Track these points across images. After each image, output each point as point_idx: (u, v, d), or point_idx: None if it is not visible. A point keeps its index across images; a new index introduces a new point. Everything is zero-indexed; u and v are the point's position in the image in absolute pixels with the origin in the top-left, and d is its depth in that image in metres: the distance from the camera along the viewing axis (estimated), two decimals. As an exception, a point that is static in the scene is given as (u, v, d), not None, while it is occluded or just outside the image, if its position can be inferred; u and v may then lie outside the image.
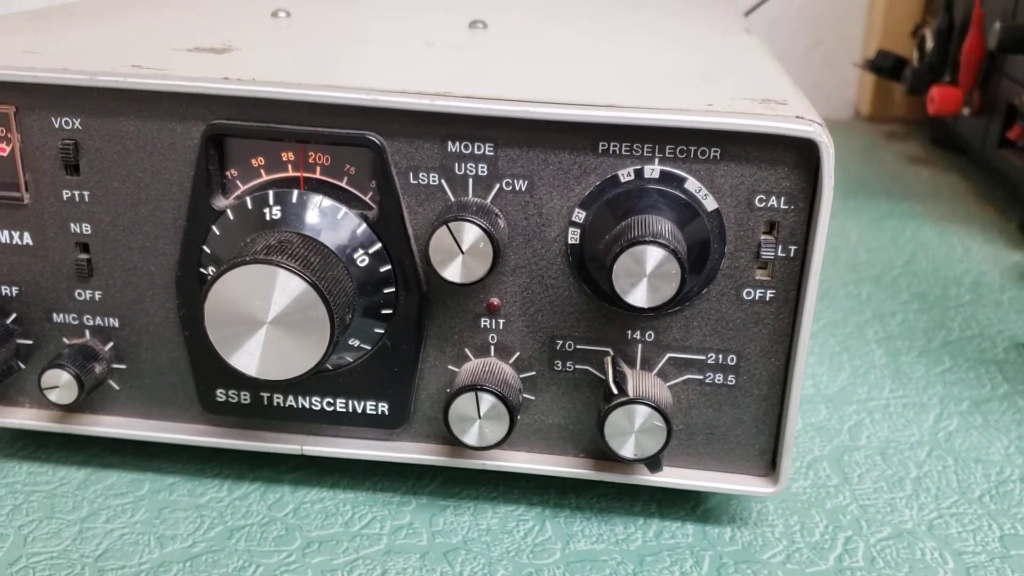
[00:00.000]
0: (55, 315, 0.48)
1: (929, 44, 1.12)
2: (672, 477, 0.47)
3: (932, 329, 0.72)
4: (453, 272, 0.42)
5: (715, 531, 0.49)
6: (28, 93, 0.44)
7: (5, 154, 0.46)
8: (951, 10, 1.05)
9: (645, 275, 0.40)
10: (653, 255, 0.39)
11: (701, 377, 0.46)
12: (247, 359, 0.42)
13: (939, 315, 0.75)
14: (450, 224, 0.41)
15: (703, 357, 0.46)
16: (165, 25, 0.57)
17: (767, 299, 0.44)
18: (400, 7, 0.68)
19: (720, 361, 0.46)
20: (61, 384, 0.47)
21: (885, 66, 1.17)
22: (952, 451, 0.57)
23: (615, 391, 0.43)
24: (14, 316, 0.48)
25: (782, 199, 0.43)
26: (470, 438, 0.44)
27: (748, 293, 0.44)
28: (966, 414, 0.61)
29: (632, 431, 0.44)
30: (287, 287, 0.41)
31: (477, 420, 0.44)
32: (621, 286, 0.40)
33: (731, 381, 0.46)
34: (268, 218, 0.44)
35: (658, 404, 0.43)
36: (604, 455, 0.48)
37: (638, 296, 0.40)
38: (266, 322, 0.41)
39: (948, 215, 0.98)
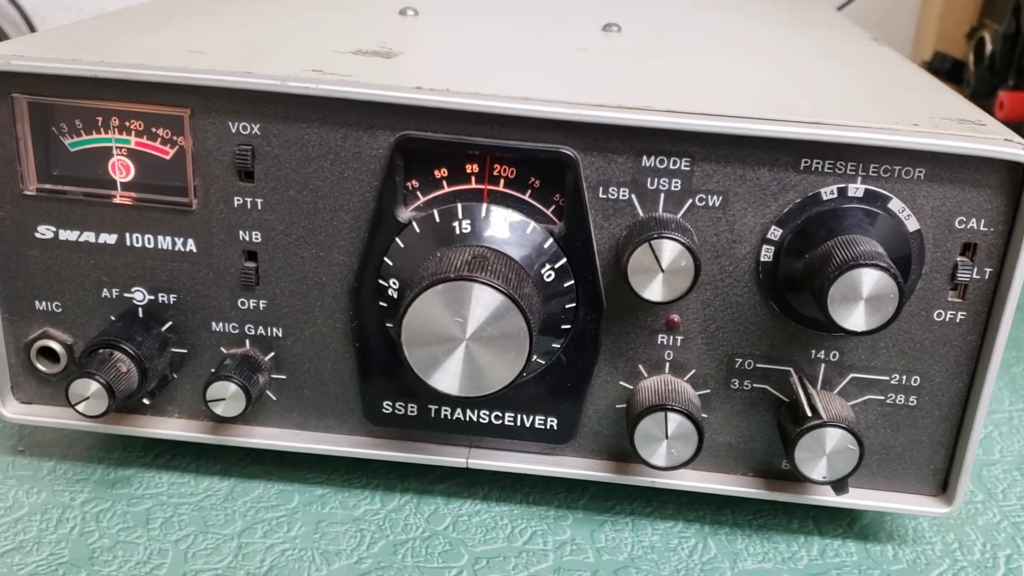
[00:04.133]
0: (214, 324, 0.47)
1: (989, 47, 1.12)
2: (849, 497, 0.46)
3: (1034, 339, 0.72)
4: (654, 291, 0.41)
5: (876, 549, 0.49)
6: (206, 96, 0.43)
7: (168, 157, 0.45)
8: (1019, 14, 1.05)
9: (862, 298, 0.39)
10: (872, 278, 0.39)
11: (882, 398, 0.45)
12: (448, 378, 0.41)
13: (1037, 325, 0.75)
14: (652, 242, 0.40)
15: (887, 378, 0.45)
16: (301, 23, 0.55)
17: (957, 321, 0.44)
18: (519, 5, 0.67)
19: (903, 382, 0.45)
20: (228, 396, 0.45)
21: (943, 68, 1.17)
22: (1086, 467, 0.57)
23: (810, 413, 0.43)
24: (169, 324, 0.47)
25: (982, 221, 0.42)
26: (658, 459, 0.44)
27: (939, 315, 0.44)
28: (1089, 428, 0.61)
29: (824, 453, 0.43)
30: (487, 303, 0.40)
31: (664, 440, 0.44)
32: (836, 310, 0.39)
33: (912, 402, 0.45)
34: (458, 232, 0.43)
35: (851, 427, 0.43)
36: (774, 474, 0.48)
37: (855, 320, 0.39)
38: (465, 339, 0.40)
39: (1019, 221, 0.98)
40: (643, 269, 0.41)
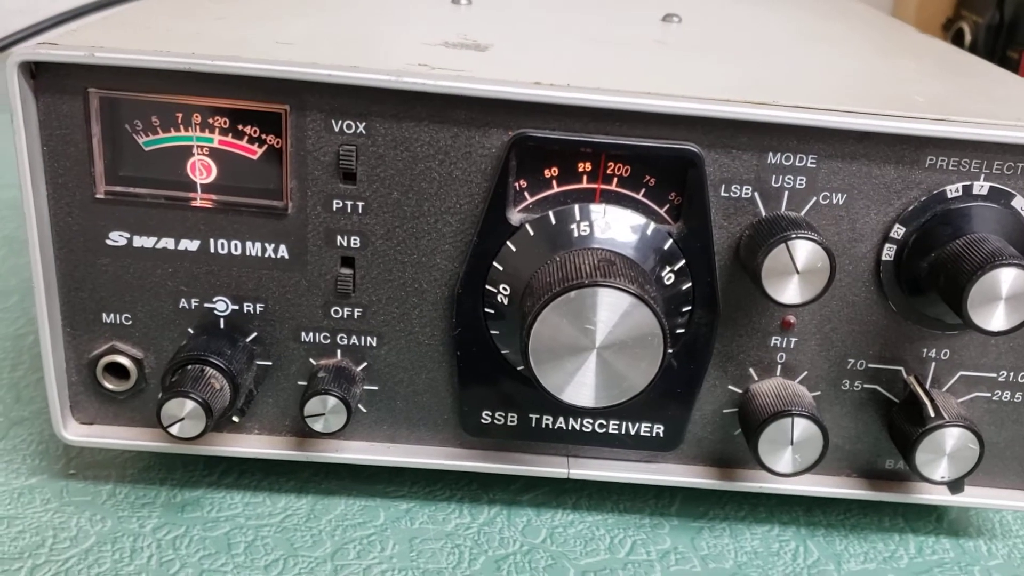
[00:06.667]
0: (304, 334, 0.44)
1: (968, 38, 1.14)
2: (959, 495, 0.46)
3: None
4: (789, 294, 0.40)
5: (970, 544, 0.49)
6: (308, 93, 0.40)
7: (255, 157, 0.42)
8: (1002, 6, 1.08)
9: (1002, 298, 0.39)
10: (1011, 277, 0.38)
11: (989, 395, 0.45)
12: (583, 391, 0.39)
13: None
14: (789, 242, 0.39)
15: (994, 375, 0.45)
16: (359, 12, 0.52)
17: (1067, 316, 0.44)
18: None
19: (1011, 379, 0.45)
20: (327, 410, 0.42)
21: (921, 58, 1.19)
22: None
23: (933, 414, 0.42)
24: (254, 335, 0.44)
25: (1099, 217, 0.42)
26: (782, 466, 0.43)
27: (1050, 311, 0.44)
28: None
29: (945, 454, 0.43)
30: (616, 307, 0.38)
31: (789, 446, 0.42)
32: (975, 311, 0.39)
33: (1018, 398, 0.45)
34: (576, 234, 0.41)
35: (972, 426, 0.42)
36: (877, 473, 0.47)
37: (996, 321, 0.39)
38: (595, 348, 0.39)
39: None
40: (778, 271, 0.39)
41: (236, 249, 0.42)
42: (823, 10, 0.68)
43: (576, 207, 0.41)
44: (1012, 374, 0.45)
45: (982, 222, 0.41)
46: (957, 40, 1.17)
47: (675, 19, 0.58)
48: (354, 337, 0.44)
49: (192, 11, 0.48)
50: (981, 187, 0.41)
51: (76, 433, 0.45)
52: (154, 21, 0.46)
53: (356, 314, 0.44)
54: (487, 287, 0.42)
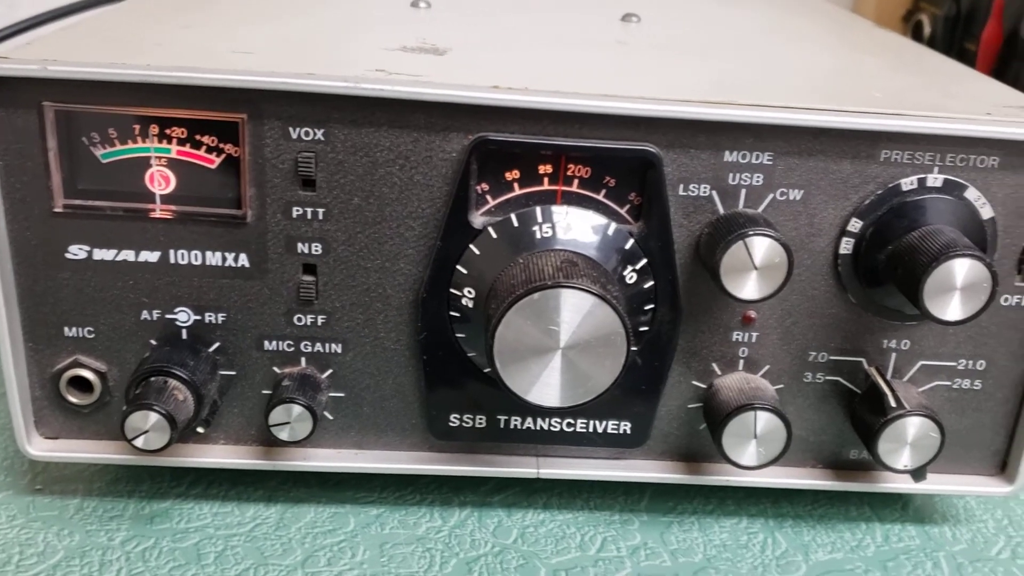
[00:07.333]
0: (267, 343, 0.44)
1: (927, 30, 1.16)
2: (927, 484, 0.47)
3: None
4: (748, 290, 0.40)
5: (935, 531, 0.50)
6: (265, 101, 0.40)
7: (213, 166, 0.41)
8: (959, -2, 1.09)
9: (957, 288, 0.39)
10: (968, 268, 0.39)
11: (949, 383, 0.46)
12: (547, 391, 0.39)
13: None
14: (746, 239, 0.40)
15: (954, 363, 0.46)
16: (321, 18, 0.52)
17: (1023, 305, 0.44)
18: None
19: (969, 367, 0.46)
20: (292, 419, 0.42)
21: (881, 50, 1.20)
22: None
23: (894, 403, 0.43)
24: (217, 345, 0.44)
25: (1050, 207, 0.43)
26: (747, 459, 0.43)
27: (1006, 299, 0.44)
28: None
29: (907, 443, 0.43)
30: (579, 308, 0.38)
31: (753, 439, 0.43)
32: (931, 301, 0.39)
33: (977, 386, 0.46)
34: (539, 236, 0.41)
35: (932, 414, 0.43)
36: (841, 464, 0.48)
37: (952, 310, 0.39)
38: (560, 348, 0.39)
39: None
40: (736, 268, 0.40)
41: (196, 259, 0.42)
42: (782, 6, 0.69)
43: (538, 209, 0.41)
44: (971, 362, 0.46)
45: (937, 214, 0.42)
46: (916, 32, 1.19)
47: (634, 19, 0.58)
48: (318, 344, 0.44)
49: (160, 19, 0.48)
50: (935, 179, 0.42)
51: (41, 448, 0.45)
52: (120, 30, 0.46)
53: (320, 321, 0.43)
54: (451, 291, 0.42)
